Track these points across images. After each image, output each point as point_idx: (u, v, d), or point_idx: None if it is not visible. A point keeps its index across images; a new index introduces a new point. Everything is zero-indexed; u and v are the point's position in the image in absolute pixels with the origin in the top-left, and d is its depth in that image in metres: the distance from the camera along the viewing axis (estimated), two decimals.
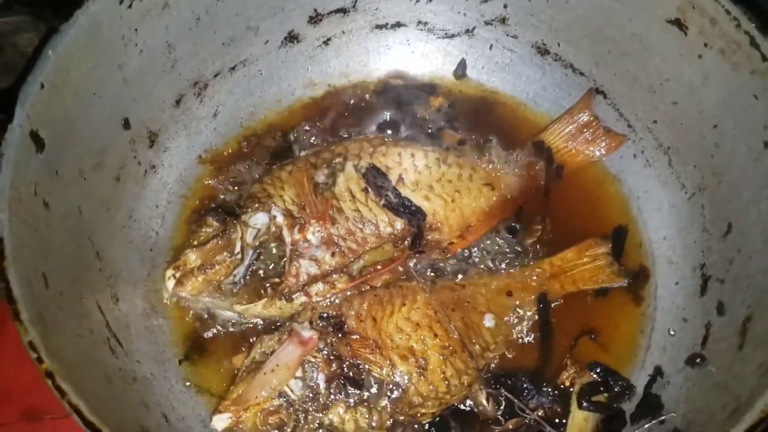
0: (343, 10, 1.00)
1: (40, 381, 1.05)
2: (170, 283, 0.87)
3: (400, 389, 0.80)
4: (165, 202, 0.95)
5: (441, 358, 0.81)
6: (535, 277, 0.89)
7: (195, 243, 0.88)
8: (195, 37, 0.92)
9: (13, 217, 0.67)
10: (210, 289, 0.86)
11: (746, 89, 0.76)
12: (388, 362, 0.80)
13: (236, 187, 0.96)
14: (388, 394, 0.79)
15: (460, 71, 1.04)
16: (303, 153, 0.97)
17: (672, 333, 0.84)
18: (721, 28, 0.78)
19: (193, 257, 0.87)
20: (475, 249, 0.91)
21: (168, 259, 0.91)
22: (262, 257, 0.87)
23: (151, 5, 0.85)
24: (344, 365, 0.80)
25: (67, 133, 0.78)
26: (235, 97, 1.00)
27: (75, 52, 0.77)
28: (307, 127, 1.00)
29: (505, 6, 0.97)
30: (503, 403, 0.80)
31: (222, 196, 0.95)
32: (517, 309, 0.87)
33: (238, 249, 0.87)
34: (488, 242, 0.91)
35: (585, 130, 0.98)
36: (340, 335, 0.81)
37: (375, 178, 0.90)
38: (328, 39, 1.02)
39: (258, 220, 0.88)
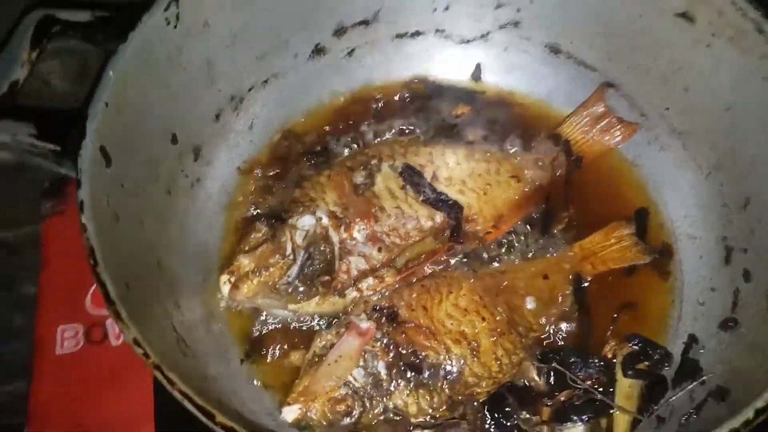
0: (365, 22, 1.05)
1: (80, 398, 1.10)
2: (225, 288, 0.91)
3: (457, 371, 0.85)
4: (211, 212, 0.99)
5: (491, 339, 0.87)
6: (567, 260, 0.95)
7: (246, 248, 0.93)
8: (231, 53, 0.97)
9: (96, 227, 0.71)
10: (265, 291, 0.91)
11: (756, 72, 0.83)
12: (442, 347, 0.85)
13: (275, 193, 1.01)
14: (446, 376, 0.84)
15: (477, 74, 1.10)
16: (337, 158, 1.03)
17: (701, 302, 0.90)
18: (728, 18, 0.85)
19: (246, 262, 0.92)
20: (510, 237, 0.96)
21: (219, 266, 0.96)
22: (312, 257, 0.92)
23: (192, 24, 0.89)
24: (402, 352, 0.85)
25: (127, 148, 0.82)
26: (269, 109, 1.05)
27: (130, 71, 0.82)
28: (338, 134, 1.06)
29: (518, 10, 1.04)
30: (553, 377, 0.85)
31: (265, 202, 1.00)
32: (555, 290, 0.93)
33: (289, 251, 0.91)
34: (521, 230, 0.97)
35: (599, 121, 1.04)
36: (394, 325, 0.86)
37: (411, 177, 0.96)
38: (353, 50, 1.08)
39: (305, 222, 0.93)
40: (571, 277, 0.93)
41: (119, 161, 0.79)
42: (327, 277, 0.92)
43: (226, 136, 1.01)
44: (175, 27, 0.87)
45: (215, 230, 0.99)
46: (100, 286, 0.66)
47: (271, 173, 1.03)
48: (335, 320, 0.91)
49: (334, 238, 0.93)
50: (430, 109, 1.08)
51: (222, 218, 1.00)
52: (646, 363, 0.85)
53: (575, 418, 0.79)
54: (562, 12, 1.01)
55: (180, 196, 0.94)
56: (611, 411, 0.81)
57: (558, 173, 1.01)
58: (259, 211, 0.99)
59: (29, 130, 0.75)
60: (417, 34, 1.08)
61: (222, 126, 1.00)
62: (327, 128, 1.07)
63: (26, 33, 0.81)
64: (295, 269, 0.91)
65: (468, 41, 1.09)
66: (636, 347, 0.87)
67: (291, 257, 0.91)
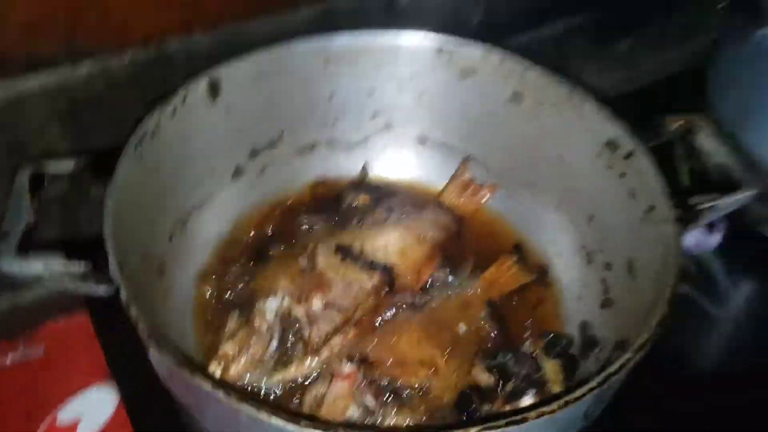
0: (272, 143, 1.30)
1: None
2: (217, 374, 1.06)
3: (426, 388, 1.06)
4: (181, 317, 1.14)
5: (444, 359, 1.09)
6: (478, 292, 1.21)
7: (226, 337, 1.09)
8: (176, 185, 1.16)
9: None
10: (253, 367, 1.07)
11: (576, 124, 1.18)
12: (410, 373, 1.07)
13: (231, 291, 1.19)
14: (420, 394, 1.05)
15: (365, 171, 1.38)
16: (274, 254, 1.24)
17: (580, 297, 1.20)
18: (547, 93, 1.20)
19: (229, 348, 1.08)
20: (431, 283, 1.22)
21: (203, 359, 1.10)
22: (286, 330, 1.10)
23: (150, 163, 1.08)
24: (381, 384, 1.04)
25: (123, 267, 0.97)
26: (207, 226, 1.23)
27: (116, 202, 0.98)
28: (268, 235, 1.27)
29: (389, 116, 1.34)
30: (497, 374, 1.09)
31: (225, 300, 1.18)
32: (476, 315, 1.18)
33: (264, 330, 1.09)
34: (439, 277, 1.22)
35: (467, 187, 1.35)
36: (369, 365, 1.07)
37: (345, 252, 1.19)
38: (265, 166, 1.31)
39: (270, 304, 1.12)
40: (484, 302, 1.20)
41: (125, 277, 0.95)
42: (300, 346, 1.11)
43: (179, 253, 1.18)
44: (139, 165, 1.06)
45: (189, 329, 1.14)
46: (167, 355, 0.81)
47: (222, 277, 1.20)
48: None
49: (299, 311, 1.12)
50: (336, 203, 1.33)
51: (191, 319, 1.15)
52: (558, 348, 1.13)
53: (527, 391, 1.03)
54: (424, 111, 1.32)
55: (158, 303, 1.09)
56: (547, 385, 1.07)
57: (450, 231, 1.30)
58: (223, 305, 1.17)
59: (59, 255, 0.89)
60: (314, 146, 1.34)
61: (175, 245, 1.17)
62: (257, 233, 1.27)
63: (23, 188, 0.95)
64: (275, 342, 1.08)
65: (354, 145, 1.36)
66: (547, 339, 1.14)
67: (268, 334, 1.09)
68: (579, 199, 1.22)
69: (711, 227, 1.39)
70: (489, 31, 1.50)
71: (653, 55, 1.78)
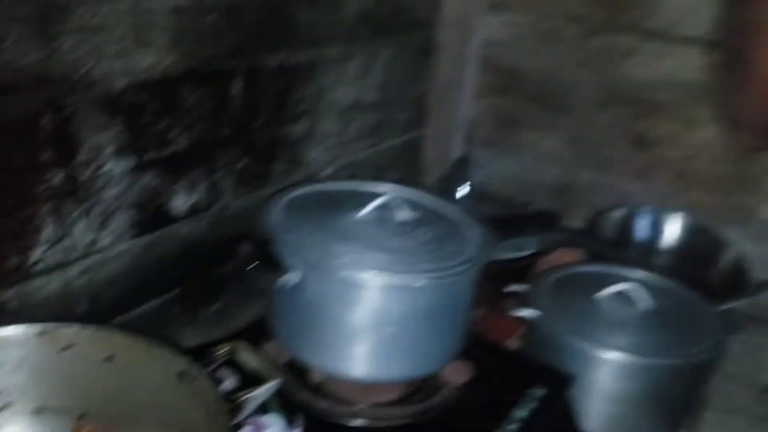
0: None
1: None
2: None
3: None
4: None
5: None
6: None
7: None
8: None
9: None
10: None
11: (157, 366, 1.55)
12: None
13: None
14: None
15: None
16: None
17: None
18: (131, 349, 1.59)
19: None
20: None
21: None
22: None
23: None
24: None
25: None
26: None
27: None
28: None
29: (5, 398, 1.60)
30: None
31: None
32: None
33: None
34: None
35: None
36: None
37: None
38: None
39: None
40: None
41: None
42: None
43: None
44: None
45: None
46: None
47: None
48: None
49: None
50: None
51: None
52: None
53: None
54: (37, 386, 1.58)
55: None
56: None
57: None
58: None
59: None
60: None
61: None
62: None
63: None
64: None
65: None
66: None
67: None
68: (172, 422, 1.58)
69: (290, 422, 1.83)
70: (96, 315, 1.91)
71: (237, 312, 2.31)
